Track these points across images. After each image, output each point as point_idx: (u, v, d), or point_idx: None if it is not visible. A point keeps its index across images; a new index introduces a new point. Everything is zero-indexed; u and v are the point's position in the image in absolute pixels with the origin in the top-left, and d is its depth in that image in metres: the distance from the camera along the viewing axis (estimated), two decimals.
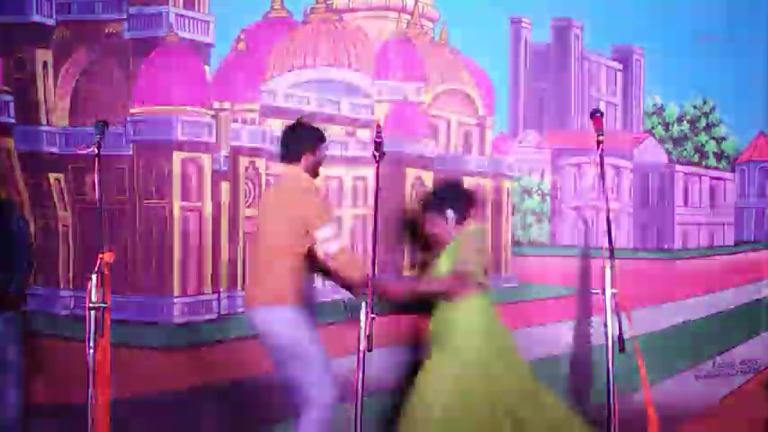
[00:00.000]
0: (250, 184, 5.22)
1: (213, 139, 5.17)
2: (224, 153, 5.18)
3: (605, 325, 2.81)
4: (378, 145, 3.04)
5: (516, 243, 5.22)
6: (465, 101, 5.34)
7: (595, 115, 2.81)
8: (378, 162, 3.05)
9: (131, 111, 5.17)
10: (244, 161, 5.21)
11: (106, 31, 5.26)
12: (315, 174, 3.43)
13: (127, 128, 5.16)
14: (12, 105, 5.17)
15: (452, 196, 3.34)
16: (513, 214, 5.21)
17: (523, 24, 5.39)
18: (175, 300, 5.04)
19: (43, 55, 5.24)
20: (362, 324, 3.03)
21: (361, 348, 2.99)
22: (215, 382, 4.70)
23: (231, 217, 5.21)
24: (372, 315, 3.03)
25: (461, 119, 5.39)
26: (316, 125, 3.65)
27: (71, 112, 5.27)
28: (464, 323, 3.20)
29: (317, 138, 3.44)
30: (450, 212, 3.29)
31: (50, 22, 5.25)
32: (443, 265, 3.28)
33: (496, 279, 5.12)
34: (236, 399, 4.71)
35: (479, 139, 5.24)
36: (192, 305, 5.09)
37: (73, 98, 5.29)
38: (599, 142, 2.74)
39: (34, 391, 4.19)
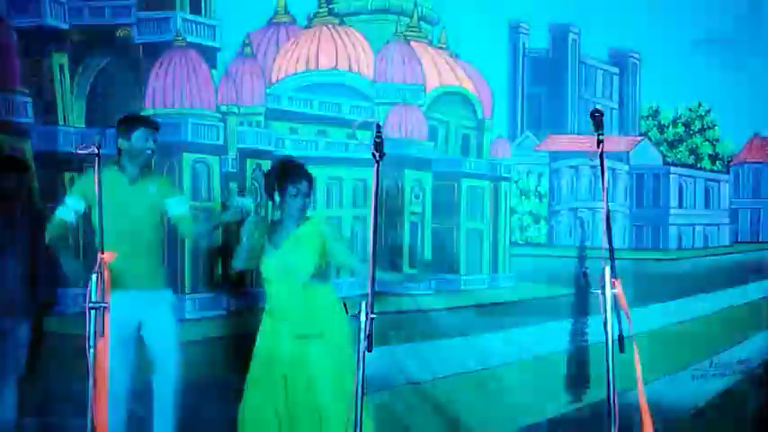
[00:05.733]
0: (256, 185, 5.10)
1: (222, 141, 5.05)
2: (231, 155, 5.07)
3: (605, 325, 2.62)
4: (377, 145, 2.86)
5: (514, 244, 5.10)
6: (463, 103, 5.19)
7: (595, 115, 2.65)
8: (378, 162, 2.87)
9: (143, 113, 5.09)
10: (251, 163, 5.09)
11: (117, 35, 5.16)
12: (134, 156, 3.54)
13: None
14: (29, 106, 5.06)
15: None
16: (510, 215, 5.06)
17: (521, 29, 5.23)
18: (187, 297, 4.92)
19: (59, 58, 5.15)
20: (362, 324, 2.85)
21: (361, 348, 2.82)
22: (221, 376, 4.58)
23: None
24: (372, 315, 2.85)
25: (460, 121, 5.25)
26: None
27: (87, 113, 5.18)
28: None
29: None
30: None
31: (64, 26, 5.16)
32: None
33: (494, 279, 4.98)
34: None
35: (477, 142, 5.11)
36: (202, 302, 4.98)
37: (88, 100, 5.20)
38: (599, 141, 2.58)
39: (40, 388, 4.07)
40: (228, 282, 4.87)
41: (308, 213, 3.55)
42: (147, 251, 3.54)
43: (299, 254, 3.44)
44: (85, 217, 3.58)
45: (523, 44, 5.22)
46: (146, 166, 3.67)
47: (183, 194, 3.98)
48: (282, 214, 3.53)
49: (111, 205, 3.40)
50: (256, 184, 5.08)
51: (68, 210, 3.55)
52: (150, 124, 3.69)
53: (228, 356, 4.66)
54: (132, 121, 3.69)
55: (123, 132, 3.63)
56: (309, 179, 3.54)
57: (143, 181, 3.61)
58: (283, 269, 3.45)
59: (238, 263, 3.59)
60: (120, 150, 3.63)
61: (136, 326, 3.54)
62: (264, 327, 3.57)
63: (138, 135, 3.60)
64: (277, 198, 3.49)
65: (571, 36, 5.20)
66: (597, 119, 2.65)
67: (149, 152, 3.61)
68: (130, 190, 3.56)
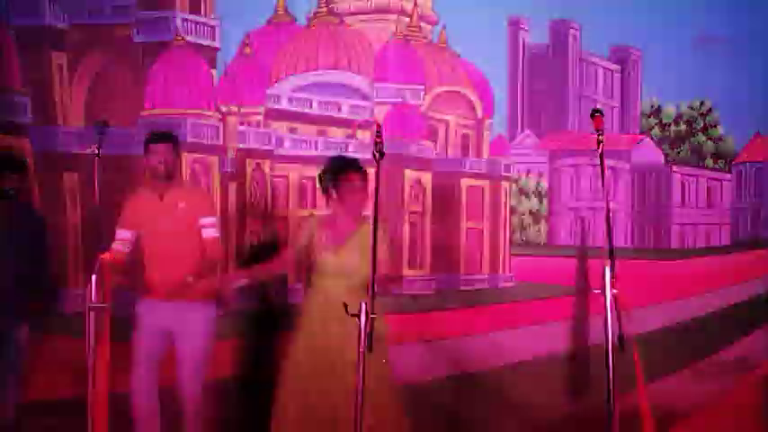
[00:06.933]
0: (256, 185, 5.10)
1: (221, 141, 5.06)
2: (231, 155, 5.08)
3: (606, 325, 2.62)
4: (378, 145, 2.85)
5: (514, 243, 5.09)
6: (463, 103, 5.19)
7: (596, 115, 2.65)
8: (378, 162, 2.86)
9: (142, 113, 5.10)
10: (250, 163, 5.10)
11: (117, 35, 5.17)
12: (152, 173, 3.60)
13: (138, 129, 5.09)
14: (29, 106, 5.07)
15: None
16: (510, 215, 5.06)
17: (521, 26, 5.23)
18: None
19: (58, 58, 5.16)
20: (362, 324, 2.84)
21: (361, 348, 2.81)
22: (223, 375, 4.56)
23: (239, 216, 5.10)
24: (372, 315, 2.84)
25: (460, 120, 5.26)
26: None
27: (86, 113, 5.18)
28: None
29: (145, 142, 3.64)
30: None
31: (64, 26, 5.17)
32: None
33: (495, 279, 4.98)
34: (236, 394, 4.56)
35: (477, 141, 5.10)
36: None
37: (87, 99, 5.21)
38: (599, 142, 2.57)
39: (42, 388, 4.05)
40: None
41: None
42: (181, 263, 3.50)
43: (363, 255, 3.35)
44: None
45: (523, 41, 5.22)
46: (170, 179, 3.63)
47: (214, 213, 3.89)
48: (340, 211, 3.44)
49: (144, 222, 3.42)
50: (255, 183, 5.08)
51: (120, 244, 3.57)
52: (158, 139, 3.67)
53: (228, 356, 4.65)
54: (146, 139, 3.70)
55: (144, 149, 3.66)
56: (366, 175, 3.44)
57: (173, 196, 3.59)
58: (344, 268, 3.37)
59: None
60: None
61: (166, 336, 3.54)
62: (307, 325, 3.46)
63: (149, 152, 3.62)
64: (334, 195, 3.43)
65: (571, 33, 5.20)
66: (597, 119, 2.64)
67: (162, 167, 3.59)
68: (161, 206, 3.56)
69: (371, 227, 3.68)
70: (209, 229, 3.60)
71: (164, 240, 3.51)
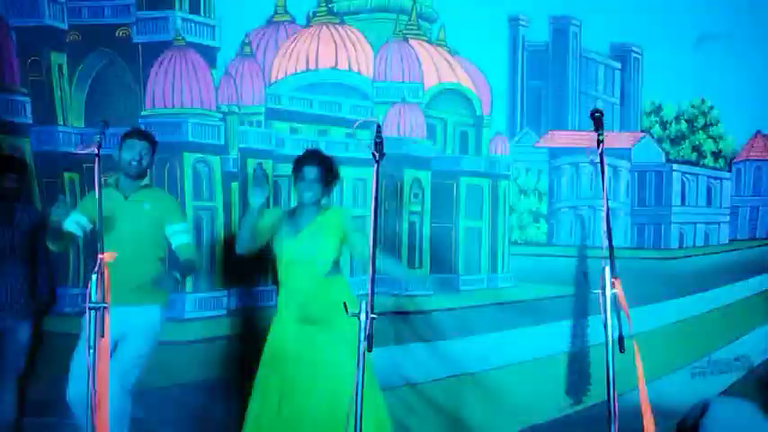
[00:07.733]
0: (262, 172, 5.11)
1: (222, 141, 5.07)
2: (233, 155, 5.09)
3: (605, 325, 2.63)
4: (377, 145, 2.88)
5: (513, 243, 5.10)
6: (462, 101, 5.19)
7: (595, 115, 2.65)
8: (378, 162, 2.89)
9: (143, 113, 5.10)
10: (252, 163, 5.10)
11: (116, 35, 5.17)
12: (123, 168, 3.58)
13: None
14: (28, 106, 5.07)
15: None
16: (509, 214, 5.06)
17: (521, 23, 5.22)
18: (188, 296, 4.93)
19: (58, 58, 5.16)
20: (362, 324, 2.86)
21: (361, 348, 2.83)
22: (222, 376, 4.60)
23: (241, 216, 5.11)
24: (372, 315, 2.87)
25: (458, 119, 5.26)
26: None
27: (86, 114, 5.19)
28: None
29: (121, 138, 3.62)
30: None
31: (63, 25, 5.17)
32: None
33: (493, 279, 4.98)
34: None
35: (476, 139, 5.10)
36: (203, 301, 4.99)
37: (87, 100, 5.21)
38: (599, 142, 2.58)
39: (42, 388, 4.09)
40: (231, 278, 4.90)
41: (332, 204, 3.59)
42: (138, 266, 3.50)
43: (320, 240, 3.47)
44: (90, 234, 3.60)
45: (523, 37, 5.21)
46: (140, 179, 3.64)
47: (184, 219, 3.87)
48: (298, 201, 3.60)
49: (106, 221, 3.39)
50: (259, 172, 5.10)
51: (76, 225, 3.56)
52: (136, 135, 3.68)
53: (228, 356, 4.68)
54: (124, 134, 3.72)
55: (119, 145, 3.67)
56: (322, 168, 3.55)
57: (139, 196, 3.59)
58: (303, 255, 3.48)
59: (240, 248, 3.62)
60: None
61: (116, 341, 3.51)
62: (275, 321, 3.57)
63: (125, 147, 3.63)
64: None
65: (572, 29, 5.20)
66: (597, 119, 2.65)
67: (135, 164, 3.60)
68: (125, 205, 3.56)
69: (337, 215, 3.78)
70: (181, 235, 3.59)
71: (123, 242, 3.49)
